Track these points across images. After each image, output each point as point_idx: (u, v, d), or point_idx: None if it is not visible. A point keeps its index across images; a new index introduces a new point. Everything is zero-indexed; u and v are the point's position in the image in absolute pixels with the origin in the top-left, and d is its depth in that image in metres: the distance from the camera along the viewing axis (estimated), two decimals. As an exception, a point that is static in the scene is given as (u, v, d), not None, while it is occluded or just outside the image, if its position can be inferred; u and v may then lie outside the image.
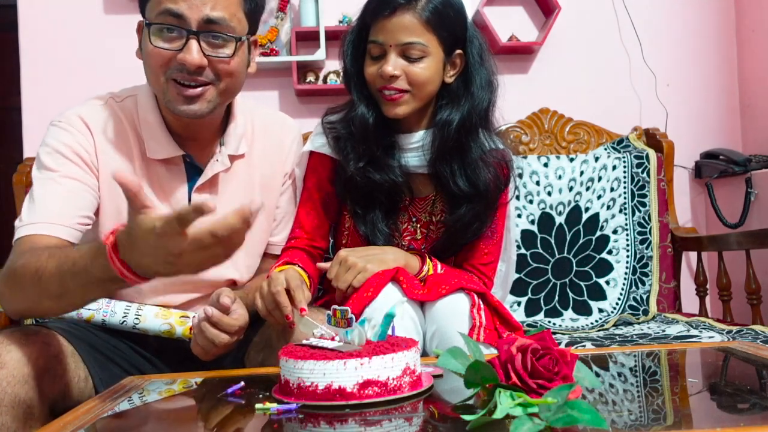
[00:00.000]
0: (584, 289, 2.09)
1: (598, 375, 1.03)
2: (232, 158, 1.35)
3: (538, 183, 2.14)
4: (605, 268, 2.11)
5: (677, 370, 1.16)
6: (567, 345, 1.62)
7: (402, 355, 0.89)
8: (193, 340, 1.20)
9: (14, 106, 2.55)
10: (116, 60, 1.93)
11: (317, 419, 0.84)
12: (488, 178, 1.43)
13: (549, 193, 2.14)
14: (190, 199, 1.31)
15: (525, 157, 2.17)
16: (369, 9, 1.40)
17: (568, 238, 2.11)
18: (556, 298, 2.09)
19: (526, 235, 2.10)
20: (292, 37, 2.29)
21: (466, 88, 1.43)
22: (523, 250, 2.08)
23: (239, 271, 1.38)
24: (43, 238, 1.14)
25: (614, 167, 2.17)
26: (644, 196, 2.17)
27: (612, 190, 2.15)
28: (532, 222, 2.11)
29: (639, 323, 1.99)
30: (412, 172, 1.46)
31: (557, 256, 2.10)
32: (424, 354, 1.32)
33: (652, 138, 2.29)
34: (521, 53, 2.45)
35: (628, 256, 2.12)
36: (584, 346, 1.62)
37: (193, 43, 1.18)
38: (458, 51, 1.42)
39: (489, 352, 1.17)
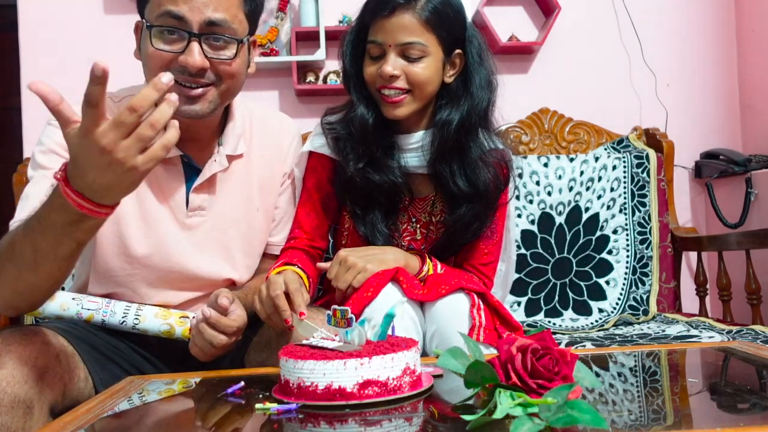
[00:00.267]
0: (584, 289, 2.09)
1: (598, 375, 1.03)
2: (230, 158, 1.35)
3: (538, 183, 2.14)
4: (605, 268, 2.11)
5: (677, 370, 1.16)
6: (567, 345, 1.62)
7: (402, 355, 0.89)
8: (191, 342, 1.20)
9: (14, 106, 2.55)
10: (116, 60, 1.91)
11: (317, 419, 0.84)
12: (488, 178, 1.43)
13: (549, 193, 2.14)
14: (188, 200, 1.31)
15: (525, 157, 2.17)
16: (368, 9, 1.40)
17: (568, 238, 2.11)
18: (556, 298, 2.09)
19: (526, 235, 2.10)
20: (292, 37, 2.29)
21: (465, 88, 1.42)
22: (523, 250, 2.08)
23: (238, 271, 1.38)
24: None
25: (614, 167, 2.17)
26: (644, 196, 2.17)
27: (612, 190, 2.15)
28: (532, 222, 2.11)
29: (639, 323, 1.99)
30: (411, 173, 1.46)
31: (557, 256, 2.10)
32: (424, 354, 1.32)
33: (652, 138, 2.29)
34: (521, 53, 2.45)
35: (628, 256, 2.12)
36: (584, 346, 1.62)
37: (195, 46, 1.18)
38: (458, 51, 1.41)
39: (489, 352, 1.17)
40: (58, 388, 1.09)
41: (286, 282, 1.17)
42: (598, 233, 2.12)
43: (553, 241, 2.11)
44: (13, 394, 0.99)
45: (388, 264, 1.35)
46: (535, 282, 2.08)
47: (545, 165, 2.16)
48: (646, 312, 2.07)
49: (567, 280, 2.09)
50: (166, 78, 0.84)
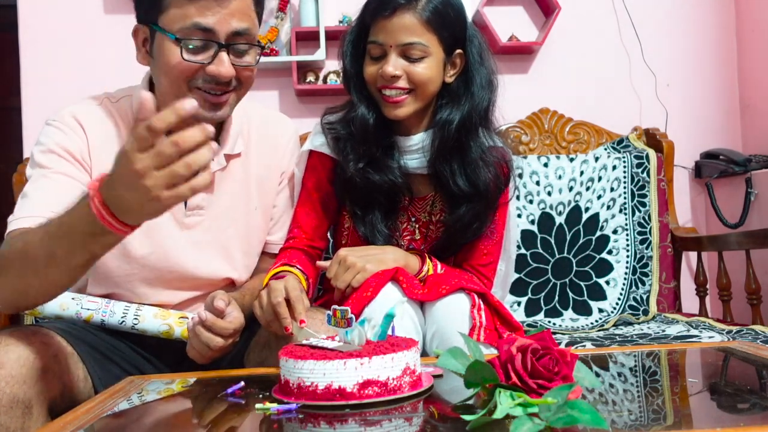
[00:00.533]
0: (584, 289, 2.09)
1: (598, 375, 1.03)
2: (228, 157, 1.35)
3: (538, 183, 2.14)
4: (605, 268, 2.11)
5: (677, 370, 1.16)
6: (567, 345, 1.62)
7: (402, 355, 0.89)
8: (188, 344, 1.20)
9: (14, 106, 2.55)
10: (116, 60, 1.92)
11: (317, 419, 0.84)
12: (488, 177, 1.43)
13: (549, 193, 2.14)
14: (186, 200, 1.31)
15: (525, 157, 2.17)
16: (369, 9, 1.40)
17: (568, 238, 2.11)
18: (556, 298, 2.09)
19: (526, 235, 2.10)
20: (292, 37, 2.29)
21: (466, 88, 1.42)
22: (523, 250, 2.08)
23: (237, 271, 1.38)
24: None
25: (614, 167, 2.17)
26: (644, 196, 2.17)
27: (612, 190, 2.15)
28: (532, 222, 2.11)
29: (639, 323, 1.99)
30: (411, 173, 1.46)
31: (557, 256, 2.10)
32: (424, 354, 1.32)
33: (652, 138, 2.29)
34: (521, 53, 2.45)
35: (628, 256, 2.12)
36: (584, 346, 1.62)
37: (224, 56, 1.20)
38: (458, 51, 1.41)
39: (489, 352, 1.17)
40: (57, 388, 1.09)
41: (287, 289, 1.16)
42: (598, 233, 2.12)
43: (553, 241, 2.11)
44: (12, 394, 0.99)
45: (387, 264, 1.35)
46: (535, 282, 2.08)
47: (545, 165, 2.16)
48: (646, 312, 2.07)
49: (567, 280, 2.09)
50: (190, 105, 0.82)
